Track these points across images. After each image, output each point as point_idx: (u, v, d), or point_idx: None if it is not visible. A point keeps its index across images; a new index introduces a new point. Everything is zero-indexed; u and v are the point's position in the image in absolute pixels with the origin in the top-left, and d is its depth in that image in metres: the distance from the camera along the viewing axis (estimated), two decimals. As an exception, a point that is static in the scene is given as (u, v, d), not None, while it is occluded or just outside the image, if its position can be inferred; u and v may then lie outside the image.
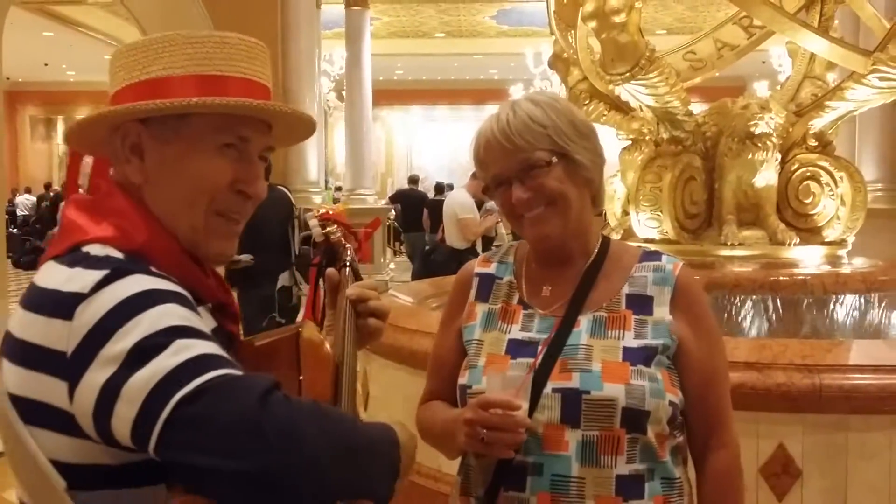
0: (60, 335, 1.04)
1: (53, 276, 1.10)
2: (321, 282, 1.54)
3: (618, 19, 3.92)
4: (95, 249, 1.11)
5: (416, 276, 8.41)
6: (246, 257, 5.37)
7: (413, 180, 16.13)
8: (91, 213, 1.17)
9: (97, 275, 1.06)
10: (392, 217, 15.01)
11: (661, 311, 1.54)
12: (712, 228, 4.54)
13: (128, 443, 1.01)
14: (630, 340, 1.50)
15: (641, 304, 1.55)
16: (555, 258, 1.61)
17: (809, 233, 4.53)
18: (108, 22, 16.46)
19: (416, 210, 13.40)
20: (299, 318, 1.57)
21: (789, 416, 2.93)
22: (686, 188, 4.49)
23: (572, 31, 4.75)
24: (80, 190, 1.32)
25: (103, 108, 1.20)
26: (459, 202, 8.40)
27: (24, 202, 20.31)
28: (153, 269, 1.12)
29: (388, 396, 3.71)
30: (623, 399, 1.44)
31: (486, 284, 1.66)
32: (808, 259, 4.45)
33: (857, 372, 2.92)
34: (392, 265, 14.85)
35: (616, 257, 1.61)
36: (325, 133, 18.34)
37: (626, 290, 1.56)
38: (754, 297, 4.11)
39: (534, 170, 1.51)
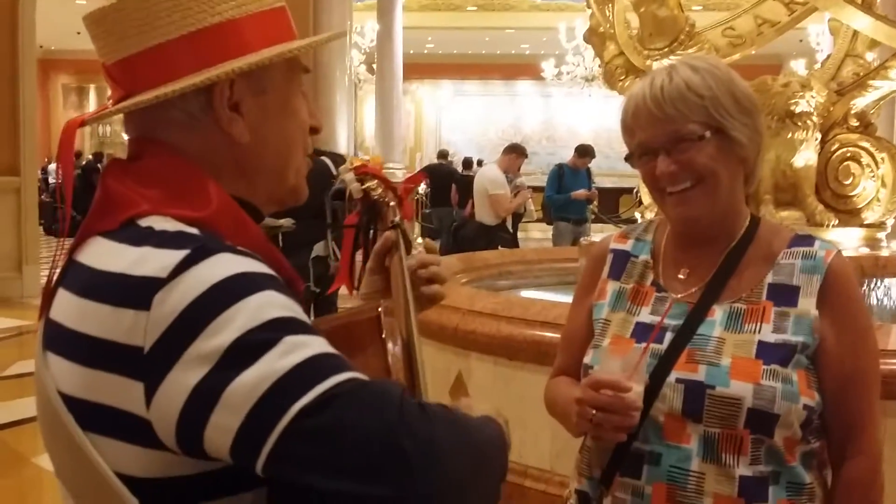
0: (134, 328, 0.87)
1: (113, 256, 0.93)
2: (359, 242, 1.41)
3: (657, -7, 3.85)
4: (160, 223, 0.94)
5: (445, 250, 8.39)
6: (287, 221, 5.16)
7: (442, 155, 16.06)
8: (141, 179, 1.00)
9: (176, 255, 0.89)
10: (420, 191, 14.98)
11: (807, 304, 1.41)
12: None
13: (222, 456, 0.86)
14: (767, 335, 1.39)
15: (785, 294, 1.42)
16: (696, 239, 1.50)
17: (848, 214, 4.45)
18: (140, -9, 16.48)
19: (444, 185, 13.36)
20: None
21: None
22: (723, 167, 4.41)
23: (609, 5, 4.67)
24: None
25: (205, 72, 1.00)
26: (491, 178, 8.36)
27: (52, 172, 20.53)
28: (237, 245, 0.95)
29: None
30: (750, 399, 1.34)
31: (621, 262, 1.57)
32: (846, 241, 4.37)
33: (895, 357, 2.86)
34: (419, 240, 14.83)
35: (763, 241, 1.48)
36: (355, 106, 18.33)
37: (769, 278, 1.44)
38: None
39: (684, 143, 1.39)
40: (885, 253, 4.27)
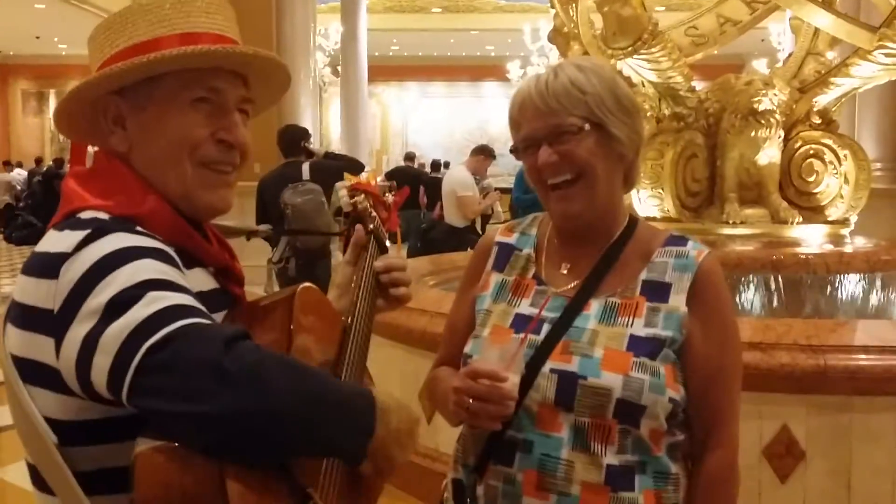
0: (48, 294, 1.09)
1: (47, 240, 1.16)
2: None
3: (621, -8, 3.85)
4: (86, 214, 1.16)
5: (413, 253, 8.36)
6: (264, 227, 5.42)
7: (409, 157, 16.04)
8: (90, 183, 1.22)
9: (80, 234, 1.11)
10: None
11: (677, 300, 1.46)
12: (714, 206, 4.49)
13: (106, 394, 1.05)
14: (639, 329, 1.44)
15: (657, 290, 1.48)
16: (577, 236, 1.56)
17: (812, 211, 4.49)
18: (100, -6, 16.27)
19: (412, 187, 13.32)
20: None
21: (793, 396, 2.90)
22: (688, 165, 4.44)
23: (573, 5, 4.67)
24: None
25: (73, 86, 1.24)
26: (459, 180, 8.33)
27: (16, 177, 20.16)
28: (139, 228, 1.16)
29: (384, 374, 3.67)
30: (619, 390, 1.39)
31: (505, 254, 1.62)
32: (810, 238, 4.41)
33: (862, 353, 2.88)
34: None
35: (641, 240, 1.54)
36: (320, 109, 18.21)
37: (644, 275, 1.50)
38: (756, 276, 4.07)
39: (565, 135, 1.45)
40: (848, 249, 4.31)
